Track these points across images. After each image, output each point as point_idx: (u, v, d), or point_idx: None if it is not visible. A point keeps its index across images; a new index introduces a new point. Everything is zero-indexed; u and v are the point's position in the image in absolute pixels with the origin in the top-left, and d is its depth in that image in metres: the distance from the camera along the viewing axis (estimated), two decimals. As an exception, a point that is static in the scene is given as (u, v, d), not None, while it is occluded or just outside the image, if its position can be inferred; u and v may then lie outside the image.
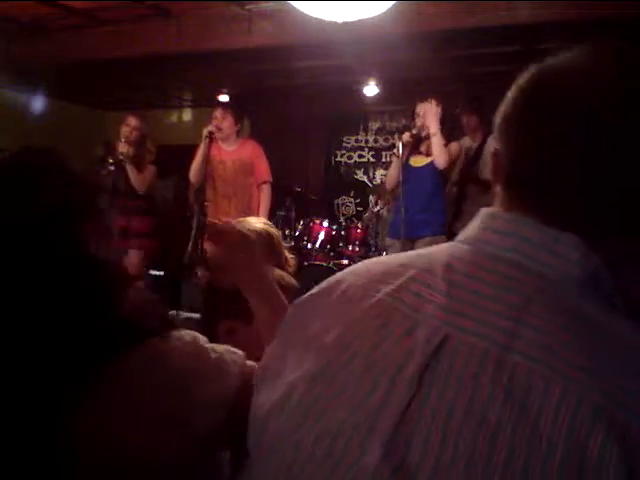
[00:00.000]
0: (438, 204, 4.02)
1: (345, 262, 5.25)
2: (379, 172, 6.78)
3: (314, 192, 6.28)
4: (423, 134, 3.96)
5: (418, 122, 3.97)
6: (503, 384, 0.46)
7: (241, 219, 1.80)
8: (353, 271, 0.64)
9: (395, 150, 4.04)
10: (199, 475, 0.79)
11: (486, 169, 4.67)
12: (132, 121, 4.67)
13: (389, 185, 4.21)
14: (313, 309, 0.62)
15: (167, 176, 6.11)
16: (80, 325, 0.75)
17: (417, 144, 4.00)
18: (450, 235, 4.57)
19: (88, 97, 7.00)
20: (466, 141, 4.78)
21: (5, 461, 0.68)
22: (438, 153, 3.87)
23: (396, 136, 4.02)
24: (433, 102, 3.88)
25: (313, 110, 6.75)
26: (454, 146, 4.01)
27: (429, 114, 3.85)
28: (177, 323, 0.88)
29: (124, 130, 4.64)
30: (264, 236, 1.69)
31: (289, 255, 1.78)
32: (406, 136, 3.92)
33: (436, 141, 3.85)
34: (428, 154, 4.00)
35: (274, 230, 1.77)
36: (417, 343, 0.51)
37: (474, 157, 4.71)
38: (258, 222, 1.77)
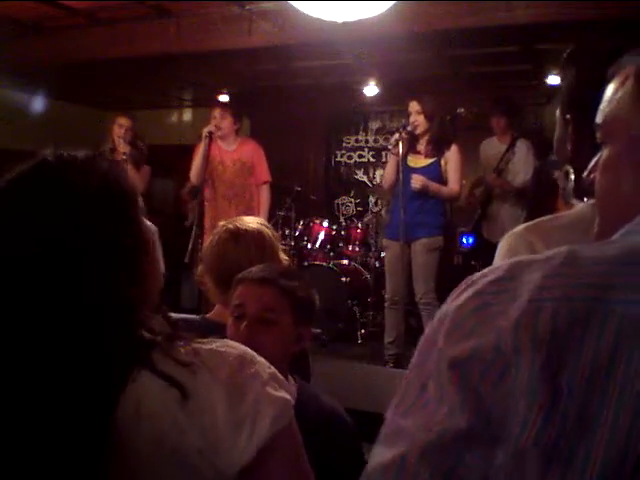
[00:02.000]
0: (436, 206, 4.01)
1: (345, 262, 5.25)
2: (379, 172, 6.78)
3: (314, 192, 6.29)
4: (417, 132, 3.96)
5: (410, 119, 3.97)
6: None
7: (237, 217, 1.81)
8: None
9: (391, 147, 4.04)
10: None
11: (519, 175, 4.60)
12: (124, 121, 4.67)
13: (386, 184, 4.21)
14: None
15: (167, 176, 6.11)
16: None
17: (413, 142, 3.99)
18: (478, 235, 4.57)
19: (88, 97, 7.00)
20: (493, 142, 4.76)
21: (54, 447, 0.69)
22: (447, 194, 3.99)
23: (396, 135, 4.01)
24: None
25: (313, 110, 6.75)
26: (454, 156, 3.98)
27: (415, 183, 3.90)
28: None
29: (117, 130, 4.64)
30: (255, 235, 1.71)
31: (283, 256, 1.79)
32: (398, 134, 3.93)
33: (441, 192, 3.97)
34: (427, 155, 3.99)
35: (269, 230, 1.78)
36: None
37: (501, 160, 4.66)
38: (253, 221, 1.78)
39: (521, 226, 0.97)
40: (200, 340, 0.80)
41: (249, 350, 0.82)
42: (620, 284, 0.46)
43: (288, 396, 0.79)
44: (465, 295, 0.53)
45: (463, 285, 0.54)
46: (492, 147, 4.70)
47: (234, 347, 0.81)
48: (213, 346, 0.79)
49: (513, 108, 4.76)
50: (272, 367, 0.82)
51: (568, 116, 0.98)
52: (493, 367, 0.48)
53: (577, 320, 0.45)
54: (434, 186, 3.90)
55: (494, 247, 3.88)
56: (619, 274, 0.47)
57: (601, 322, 0.45)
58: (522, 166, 4.62)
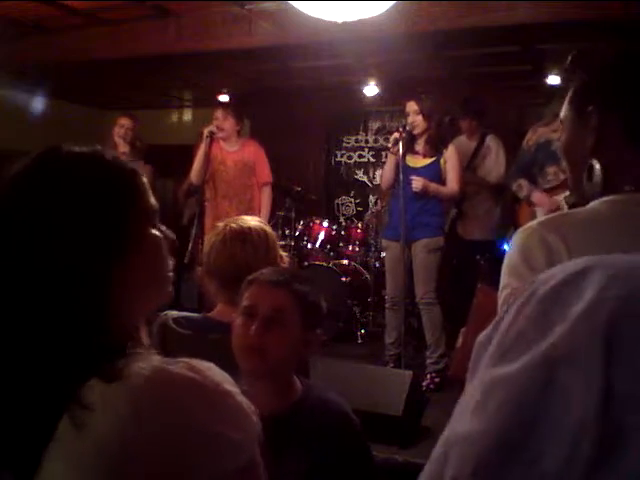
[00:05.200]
0: (436, 206, 4.00)
1: (345, 262, 5.25)
2: (379, 172, 6.78)
3: (314, 192, 6.29)
4: (415, 132, 3.96)
5: (409, 120, 3.97)
6: None
7: (236, 217, 1.82)
8: None
9: (390, 146, 4.04)
10: None
11: (492, 173, 4.63)
12: (126, 121, 4.68)
13: (384, 184, 4.19)
14: None
15: (167, 176, 6.11)
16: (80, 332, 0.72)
17: (411, 142, 3.99)
18: (453, 236, 4.56)
19: (88, 97, 7.00)
20: (462, 140, 4.75)
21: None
22: (447, 194, 3.98)
23: (395, 135, 4.01)
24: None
25: (313, 110, 6.75)
26: (452, 156, 3.98)
27: (416, 185, 3.88)
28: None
29: (119, 131, 4.65)
30: (260, 233, 1.73)
31: (283, 253, 1.81)
32: (397, 135, 3.92)
33: (441, 193, 3.96)
34: (425, 155, 3.99)
35: (268, 228, 1.80)
36: None
37: (472, 157, 4.69)
38: (253, 220, 1.80)
39: (534, 221, 0.97)
40: (161, 361, 0.73)
41: (211, 376, 0.73)
42: None
43: (240, 437, 0.72)
44: (525, 309, 0.49)
45: (524, 297, 0.50)
46: (461, 145, 4.67)
47: (195, 370, 0.72)
48: (171, 367, 0.71)
49: (482, 108, 4.76)
50: (237, 399, 0.73)
51: (590, 108, 0.96)
52: (539, 376, 0.45)
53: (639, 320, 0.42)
54: (434, 187, 3.90)
55: (470, 244, 3.88)
56: None
57: None
58: (494, 163, 4.64)
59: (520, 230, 0.96)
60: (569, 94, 1.03)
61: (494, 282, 0.98)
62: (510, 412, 0.46)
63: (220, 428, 0.70)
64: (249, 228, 1.73)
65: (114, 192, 0.78)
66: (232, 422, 0.71)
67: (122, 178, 0.80)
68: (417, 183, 3.84)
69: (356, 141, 7.08)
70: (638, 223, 0.86)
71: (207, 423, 0.69)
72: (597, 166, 0.93)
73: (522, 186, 3.82)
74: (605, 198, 0.92)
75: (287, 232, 5.40)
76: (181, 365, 0.71)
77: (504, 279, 0.95)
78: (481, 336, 0.52)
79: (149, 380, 0.68)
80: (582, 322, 0.44)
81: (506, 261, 0.96)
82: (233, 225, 1.74)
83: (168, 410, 0.68)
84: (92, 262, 0.74)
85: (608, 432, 0.41)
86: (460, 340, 1.13)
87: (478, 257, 4.20)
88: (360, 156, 7.05)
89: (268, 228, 1.80)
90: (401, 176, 3.83)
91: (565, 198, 3.49)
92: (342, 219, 6.76)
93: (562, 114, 1.05)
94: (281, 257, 1.78)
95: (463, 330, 1.14)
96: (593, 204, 0.93)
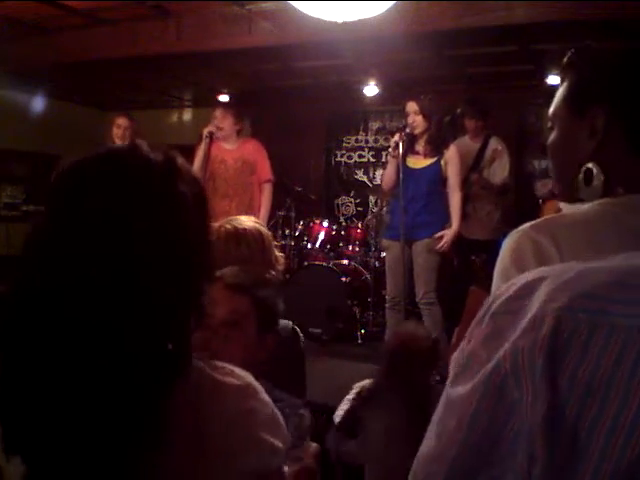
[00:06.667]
0: (437, 206, 3.99)
1: (345, 262, 5.25)
2: (379, 172, 6.78)
3: (314, 192, 6.28)
4: (415, 132, 3.96)
5: (409, 120, 3.96)
6: None
7: (232, 217, 1.82)
8: None
9: (390, 150, 4.03)
10: None
11: (496, 175, 4.62)
12: (123, 121, 4.68)
13: (386, 185, 4.18)
14: None
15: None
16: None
17: (412, 143, 3.99)
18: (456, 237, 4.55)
19: (88, 97, 7.00)
20: (465, 141, 4.73)
21: None
22: (459, 209, 3.95)
23: (395, 137, 4.00)
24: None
25: (313, 110, 6.75)
26: (453, 157, 3.98)
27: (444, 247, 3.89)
28: None
29: (116, 131, 4.65)
30: (254, 234, 1.72)
31: (279, 254, 1.80)
32: (397, 136, 3.91)
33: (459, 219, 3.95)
34: (426, 155, 3.98)
35: (264, 229, 1.80)
36: None
37: (476, 159, 4.67)
38: (249, 220, 1.80)
39: (527, 224, 0.95)
40: (209, 363, 0.79)
41: (252, 383, 0.81)
42: (622, 298, 0.43)
43: (279, 444, 0.79)
44: (479, 327, 0.49)
45: (482, 311, 0.51)
46: (464, 146, 4.65)
47: (237, 376, 0.79)
48: (217, 375, 0.77)
49: (487, 109, 4.74)
50: (274, 409, 0.81)
51: (594, 108, 0.91)
52: (489, 396, 0.45)
53: (580, 330, 0.43)
54: (456, 223, 3.91)
55: (472, 244, 3.87)
56: (621, 287, 0.44)
57: (607, 334, 0.42)
58: (498, 165, 4.62)
59: (512, 233, 0.95)
60: (564, 90, 0.98)
61: (487, 283, 0.97)
62: (464, 437, 0.46)
63: (262, 434, 0.77)
64: (244, 229, 1.72)
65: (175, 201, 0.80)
66: (272, 427, 0.79)
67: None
68: (444, 245, 3.87)
69: (356, 141, 7.07)
70: (630, 225, 0.85)
71: (252, 428, 0.76)
72: (596, 170, 0.91)
73: (546, 184, 3.84)
74: (598, 200, 0.91)
75: (287, 232, 5.40)
76: (225, 372, 0.78)
77: (495, 282, 0.94)
78: (456, 353, 0.51)
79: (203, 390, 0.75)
80: (524, 337, 0.45)
81: (497, 263, 0.94)
82: (228, 226, 1.74)
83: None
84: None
85: (563, 441, 0.41)
86: (453, 340, 1.11)
87: (473, 257, 4.20)
88: (360, 156, 7.05)
89: (264, 229, 1.79)
90: (401, 176, 3.83)
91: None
92: (342, 219, 6.76)
93: (552, 110, 1.00)
94: (277, 258, 1.77)
95: (457, 329, 1.12)
96: (586, 206, 0.92)
